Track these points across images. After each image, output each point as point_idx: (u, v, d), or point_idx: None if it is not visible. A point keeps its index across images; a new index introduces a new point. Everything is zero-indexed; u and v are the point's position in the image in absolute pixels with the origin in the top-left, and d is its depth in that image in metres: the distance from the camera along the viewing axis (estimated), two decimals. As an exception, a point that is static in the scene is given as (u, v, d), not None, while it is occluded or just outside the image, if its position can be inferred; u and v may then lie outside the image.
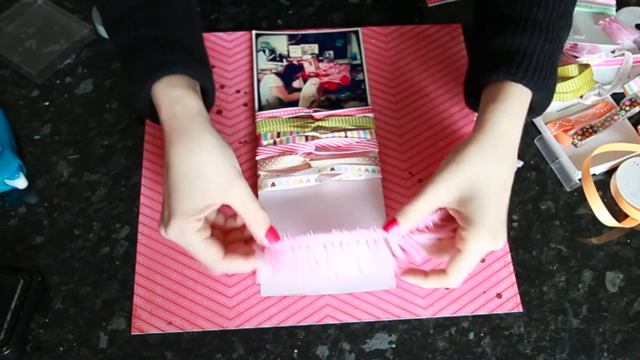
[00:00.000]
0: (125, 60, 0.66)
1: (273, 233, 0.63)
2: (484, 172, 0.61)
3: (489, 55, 0.67)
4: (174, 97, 0.62)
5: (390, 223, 0.64)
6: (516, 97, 0.64)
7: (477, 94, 0.68)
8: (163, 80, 0.63)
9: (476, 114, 0.74)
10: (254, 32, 0.85)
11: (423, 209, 0.63)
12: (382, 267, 0.65)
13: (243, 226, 0.65)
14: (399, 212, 0.63)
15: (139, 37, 0.65)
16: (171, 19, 0.67)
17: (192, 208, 0.59)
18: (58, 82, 0.82)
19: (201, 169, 0.60)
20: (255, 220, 0.62)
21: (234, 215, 0.65)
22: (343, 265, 0.65)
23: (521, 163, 0.75)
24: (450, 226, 0.65)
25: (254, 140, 0.77)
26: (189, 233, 0.59)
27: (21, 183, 0.73)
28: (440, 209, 0.64)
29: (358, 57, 0.83)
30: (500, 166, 0.62)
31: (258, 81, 0.81)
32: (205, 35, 0.84)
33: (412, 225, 0.64)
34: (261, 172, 0.73)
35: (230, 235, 0.65)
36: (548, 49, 0.66)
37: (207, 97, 0.67)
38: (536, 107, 0.68)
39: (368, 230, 0.65)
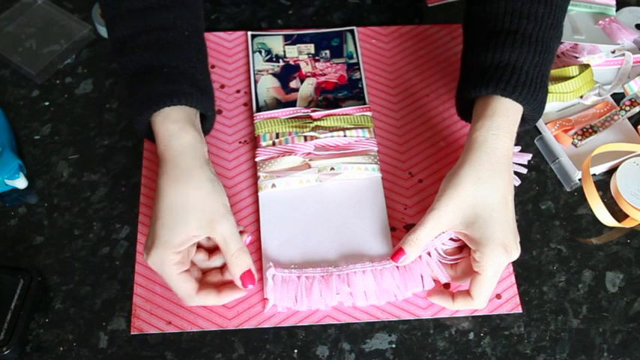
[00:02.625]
0: (128, 82, 0.67)
1: (249, 276, 0.63)
2: (481, 192, 0.63)
3: (479, 69, 0.67)
4: (171, 130, 0.64)
5: (397, 252, 0.66)
6: (505, 112, 0.65)
7: (470, 107, 0.69)
8: (163, 111, 0.64)
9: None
10: (249, 33, 0.85)
11: (427, 236, 0.65)
12: (407, 291, 0.67)
13: (223, 267, 0.67)
14: (404, 241, 0.65)
15: (144, 63, 0.66)
16: (178, 44, 0.68)
17: (173, 239, 0.61)
18: (58, 82, 0.82)
19: (186, 203, 0.61)
20: (234, 259, 0.63)
21: (215, 252, 0.67)
22: (349, 297, 0.67)
23: (518, 182, 0.75)
24: (467, 248, 0.66)
25: (254, 140, 0.77)
26: (166, 264, 0.61)
27: (21, 183, 0.73)
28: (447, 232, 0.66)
29: (354, 56, 0.83)
30: (496, 181, 0.63)
31: (255, 82, 0.81)
32: (205, 35, 0.84)
33: (418, 252, 0.66)
34: (260, 174, 0.73)
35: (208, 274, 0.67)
36: (538, 61, 0.66)
37: (207, 122, 0.69)
38: (528, 119, 0.68)
39: (378, 262, 0.67)
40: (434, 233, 0.64)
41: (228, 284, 0.65)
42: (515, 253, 0.63)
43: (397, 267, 0.67)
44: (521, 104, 0.65)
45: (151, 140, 0.68)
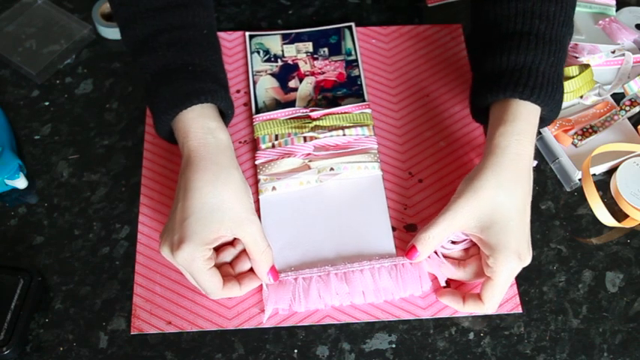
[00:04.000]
0: (149, 82, 0.67)
1: (274, 272, 0.65)
2: (501, 198, 0.62)
3: (494, 73, 0.67)
4: (208, 128, 0.64)
5: (410, 250, 0.66)
6: (525, 116, 0.64)
7: (485, 109, 0.69)
8: (194, 109, 0.64)
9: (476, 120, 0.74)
10: (247, 34, 0.84)
11: (441, 235, 0.65)
12: (407, 291, 0.67)
13: (234, 262, 0.67)
14: (416, 239, 0.65)
15: (167, 62, 0.66)
16: (198, 43, 0.68)
17: (207, 236, 0.61)
18: (58, 82, 0.82)
19: (222, 202, 0.61)
20: (262, 257, 0.64)
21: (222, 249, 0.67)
22: (347, 296, 0.67)
23: (535, 163, 0.75)
24: (474, 249, 0.67)
25: (254, 140, 0.77)
26: (198, 260, 0.61)
27: (21, 183, 0.73)
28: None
29: (353, 52, 0.83)
30: (516, 188, 0.63)
31: (254, 83, 0.81)
32: (205, 35, 0.85)
33: (430, 250, 0.66)
34: (261, 177, 0.73)
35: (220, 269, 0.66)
36: (553, 61, 0.66)
37: (225, 120, 0.69)
38: (545, 118, 0.68)
39: (376, 260, 0.67)
40: (447, 233, 0.64)
41: (246, 275, 0.66)
42: (528, 260, 0.63)
43: (395, 266, 0.67)
44: (539, 106, 0.65)
45: (167, 139, 0.68)
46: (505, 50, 0.66)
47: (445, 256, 0.67)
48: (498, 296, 0.64)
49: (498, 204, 0.62)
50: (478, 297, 0.64)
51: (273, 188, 0.73)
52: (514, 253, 0.62)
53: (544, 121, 0.68)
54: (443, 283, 0.67)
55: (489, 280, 0.63)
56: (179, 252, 0.60)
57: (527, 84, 0.64)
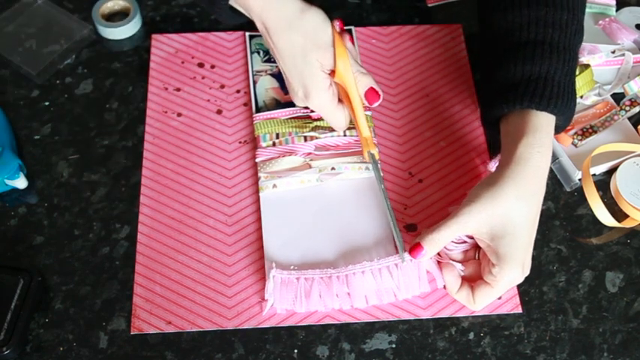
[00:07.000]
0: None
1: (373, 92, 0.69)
2: (517, 209, 0.62)
3: (509, 83, 0.66)
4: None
5: (415, 248, 0.64)
6: (545, 127, 0.64)
7: (496, 118, 0.69)
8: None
9: (478, 116, 0.74)
10: (247, 34, 0.84)
11: (449, 237, 0.64)
12: (409, 292, 0.67)
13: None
14: (424, 239, 0.64)
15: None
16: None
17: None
18: (58, 82, 0.82)
19: None
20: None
21: None
22: (348, 299, 0.67)
23: None
24: (472, 252, 0.67)
25: (254, 140, 0.77)
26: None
27: (21, 183, 0.73)
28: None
29: None
30: (533, 199, 0.63)
31: (254, 83, 0.81)
32: (205, 35, 0.85)
33: (436, 251, 0.65)
34: (261, 175, 0.73)
35: None
36: (567, 70, 0.66)
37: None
38: (559, 126, 0.68)
39: (376, 261, 0.67)
40: (456, 235, 0.64)
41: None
42: (528, 271, 0.64)
43: (396, 265, 0.67)
44: (556, 115, 0.65)
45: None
46: (519, 59, 0.66)
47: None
48: (490, 300, 0.65)
49: (514, 216, 0.62)
50: (471, 291, 0.65)
51: (274, 186, 0.73)
52: (519, 264, 0.62)
53: (557, 128, 0.68)
54: (441, 284, 0.67)
55: (487, 285, 0.63)
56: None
57: (544, 94, 0.64)
